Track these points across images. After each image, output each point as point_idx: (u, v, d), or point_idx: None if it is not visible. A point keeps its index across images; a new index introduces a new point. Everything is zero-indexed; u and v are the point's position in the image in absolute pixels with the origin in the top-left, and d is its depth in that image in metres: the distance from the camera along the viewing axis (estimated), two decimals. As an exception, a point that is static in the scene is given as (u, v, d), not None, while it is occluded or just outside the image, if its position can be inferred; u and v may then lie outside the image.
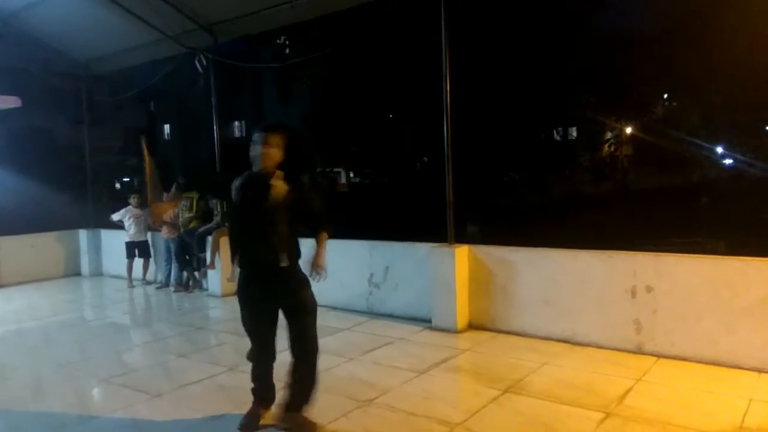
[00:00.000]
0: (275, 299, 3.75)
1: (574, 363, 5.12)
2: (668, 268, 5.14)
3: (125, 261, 9.76)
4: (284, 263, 3.65)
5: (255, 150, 3.63)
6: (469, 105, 6.33)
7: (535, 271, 5.92)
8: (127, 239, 9.66)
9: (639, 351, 5.21)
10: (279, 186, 3.65)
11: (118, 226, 9.94)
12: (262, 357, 3.85)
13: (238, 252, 3.79)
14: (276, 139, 3.65)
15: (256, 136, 3.65)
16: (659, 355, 5.09)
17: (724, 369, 4.74)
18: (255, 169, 3.68)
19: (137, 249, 9.70)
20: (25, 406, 4.66)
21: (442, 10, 6.26)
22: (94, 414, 4.51)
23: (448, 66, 6.28)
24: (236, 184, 3.70)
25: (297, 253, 3.77)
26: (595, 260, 5.58)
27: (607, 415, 3.99)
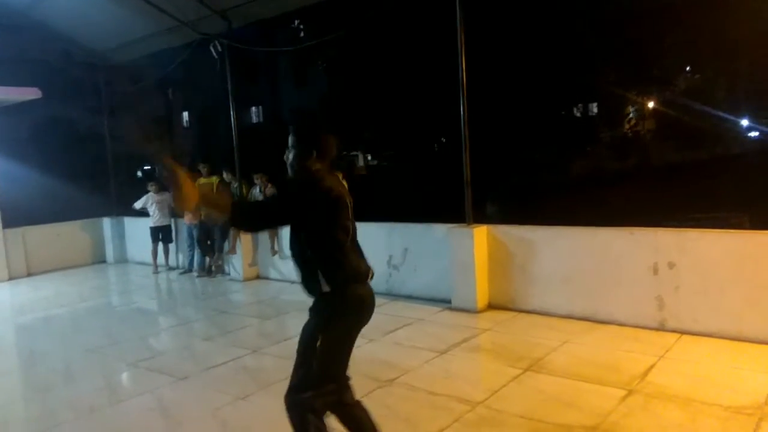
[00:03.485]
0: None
1: (595, 341, 5.11)
2: (691, 243, 5.07)
3: (150, 247, 9.93)
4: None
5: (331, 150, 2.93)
6: (487, 83, 6.25)
7: (555, 250, 5.89)
8: (152, 224, 9.81)
9: (661, 328, 5.17)
10: None
11: (142, 213, 10.09)
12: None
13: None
14: None
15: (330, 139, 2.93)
16: (682, 332, 5.04)
17: (748, 344, 4.68)
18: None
19: (161, 233, 9.86)
20: (55, 390, 4.80)
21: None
22: (122, 397, 4.63)
23: (463, 44, 6.20)
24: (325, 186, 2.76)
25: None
26: (616, 237, 5.53)
27: (630, 392, 3.98)
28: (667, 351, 4.71)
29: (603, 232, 5.63)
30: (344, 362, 2.90)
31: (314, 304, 2.87)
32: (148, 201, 9.77)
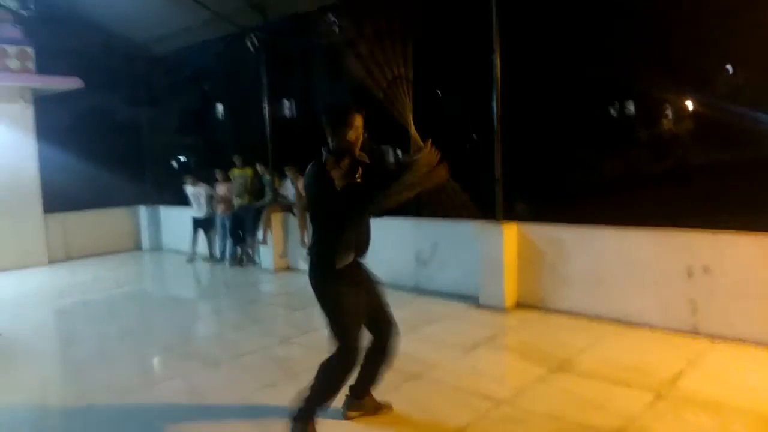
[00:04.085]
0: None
1: (625, 343, 5.04)
2: (726, 247, 4.96)
3: (185, 235, 10.16)
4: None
5: (356, 132, 3.30)
6: (521, 79, 6.20)
7: (586, 250, 5.82)
8: (192, 215, 10.04)
9: (694, 332, 5.07)
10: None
11: (178, 202, 10.34)
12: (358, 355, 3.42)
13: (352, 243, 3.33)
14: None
15: (352, 119, 3.28)
16: (716, 337, 4.94)
17: (785, 352, 4.57)
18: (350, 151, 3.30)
19: (199, 224, 10.06)
20: (91, 372, 4.96)
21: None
22: (155, 381, 4.77)
23: (498, 38, 6.16)
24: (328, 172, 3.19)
25: None
26: (649, 239, 5.44)
27: (659, 397, 3.92)
28: (699, 356, 4.62)
29: (636, 233, 5.55)
30: None
31: None
32: (189, 191, 9.99)
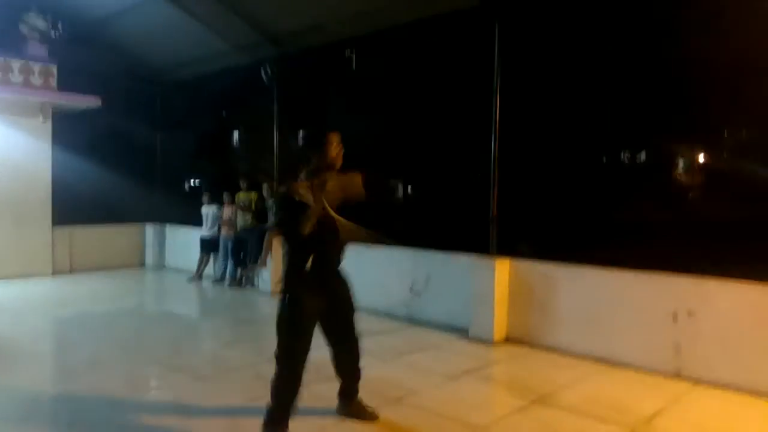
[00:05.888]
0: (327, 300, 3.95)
1: (608, 382, 5.09)
2: (712, 293, 5.04)
3: (189, 255, 10.32)
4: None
5: (329, 150, 3.65)
6: (521, 121, 6.42)
7: (577, 289, 5.92)
8: (201, 234, 10.24)
9: (677, 375, 5.12)
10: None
11: (183, 221, 10.54)
12: (301, 365, 3.87)
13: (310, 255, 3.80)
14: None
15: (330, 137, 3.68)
16: (697, 381, 4.98)
17: (764, 400, 4.60)
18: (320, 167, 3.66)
19: (205, 244, 10.23)
20: (82, 378, 5.07)
21: (497, 27, 6.45)
22: (142, 389, 4.87)
23: (498, 80, 6.42)
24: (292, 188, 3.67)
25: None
26: (638, 281, 5.53)
27: (632, 433, 3.97)
28: (679, 398, 4.67)
29: (625, 275, 5.63)
30: None
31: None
32: (203, 211, 10.21)
